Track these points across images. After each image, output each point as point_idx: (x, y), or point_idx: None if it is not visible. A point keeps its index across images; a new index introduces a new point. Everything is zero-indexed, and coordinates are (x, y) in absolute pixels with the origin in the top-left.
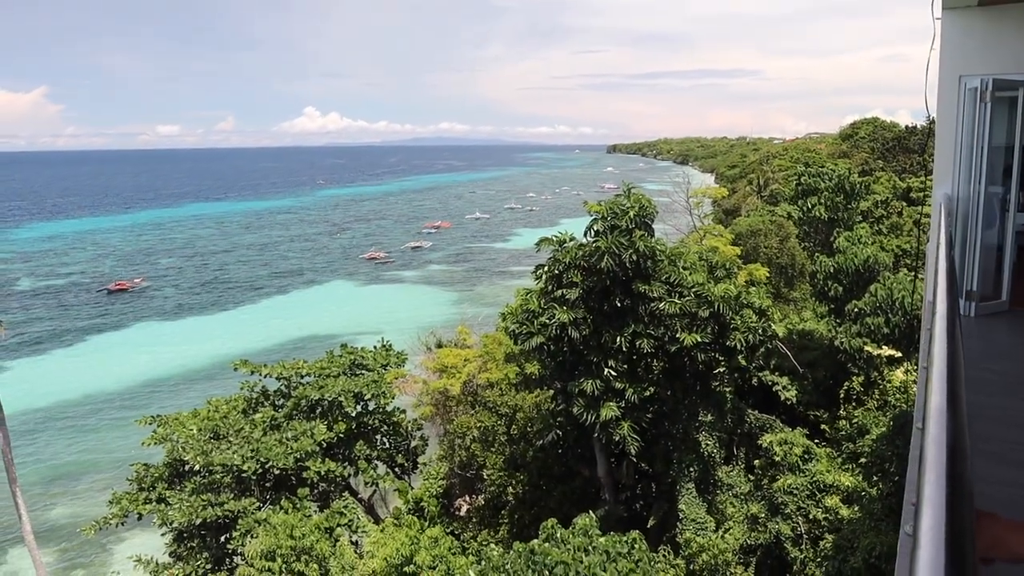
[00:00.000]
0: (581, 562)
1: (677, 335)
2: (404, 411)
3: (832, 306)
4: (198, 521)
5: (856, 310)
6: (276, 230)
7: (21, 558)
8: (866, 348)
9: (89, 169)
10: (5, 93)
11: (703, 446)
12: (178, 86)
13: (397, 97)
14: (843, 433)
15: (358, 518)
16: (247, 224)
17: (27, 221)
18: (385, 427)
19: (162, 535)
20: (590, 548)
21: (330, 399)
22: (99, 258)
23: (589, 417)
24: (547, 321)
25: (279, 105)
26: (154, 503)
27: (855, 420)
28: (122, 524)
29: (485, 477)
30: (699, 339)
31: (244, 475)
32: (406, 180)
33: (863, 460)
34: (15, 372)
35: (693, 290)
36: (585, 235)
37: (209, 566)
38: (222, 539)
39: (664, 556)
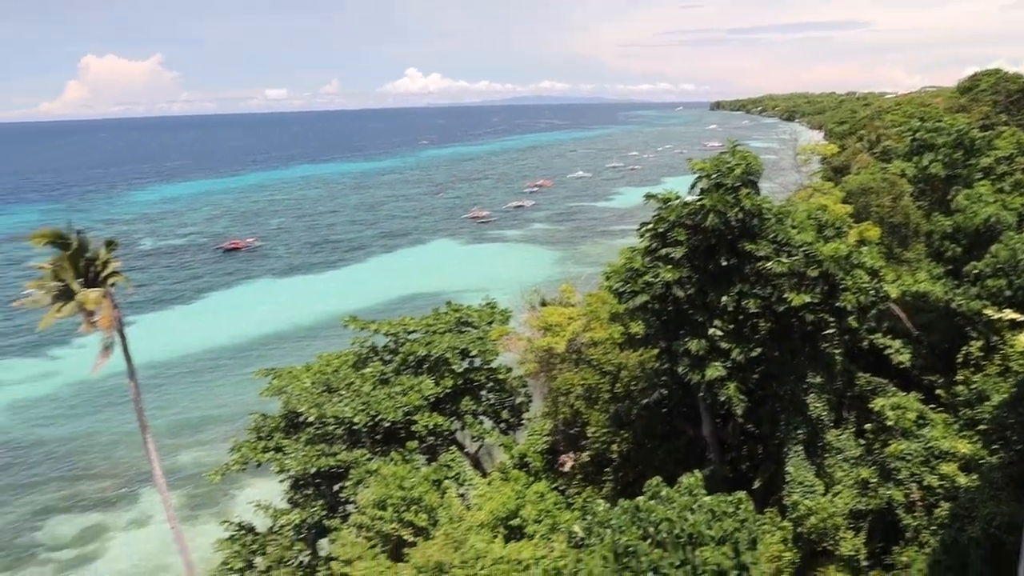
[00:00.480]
0: (686, 520)
1: (785, 295)
2: (509, 368)
3: (949, 267)
4: (313, 470)
5: (976, 272)
6: (381, 190)
7: (152, 500)
8: (986, 312)
9: (202, 133)
10: (125, 62)
11: (811, 408)
12: (285, 51)
13: (497, 57)
14: (960, 399)
15: (465, 471)
16: (353, 185)
17: (148, 184)
18: (490, 383)
19: (280, 482)
20: (695, 507)
21: (437, 355)
22: (214, 218)
23: (694, 377)
24: (651, 280)
25: (382, 67)
26: (272, 452)
27: (974, 386)
28: (243, 471)
29: (589, 434)
30: (808, 299)
31: (355, 427)
32: (507, 140)
33: (982, 427)
34: (142, 327)
35: (801, 249)
36: (690, 193)
37: (324, 513)
38: (335, 488)
39: (770, 518)
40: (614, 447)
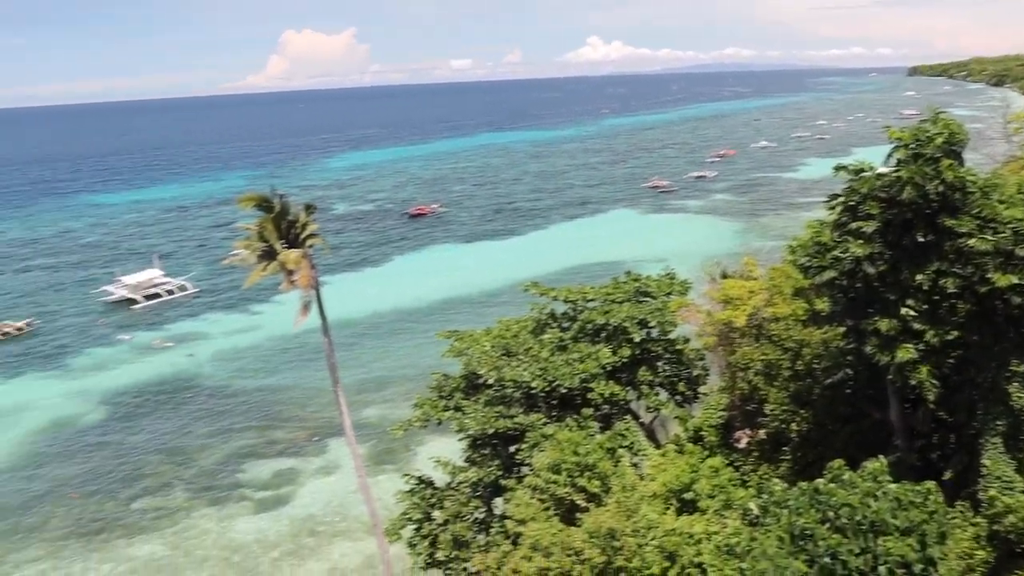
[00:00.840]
0: (869, 507)
1: (989, 275)
2: (687, 340)
3: None
4: (491, 431)
5: None
6: (561, 159)
7: (341, 450)
8: None
9: (391, 103)
10: (322, 36)
11: (1014, 398)
12: (470, 22)
13: (680, 24)
14: None
15: (639, 441)
16: (534, 153)
17: (341, 152)
18: (668, 355)
19: (459, 441)
20: (879, 494)
21: (615, 324)
22: (401, 185)
23: (883, 358)
24: (840, 255)
25: (563, 36)
26: (452, 411)
27: None
28: (424, 428)
29: (767, 411)
30: (1016, 280)
31: (532, 392)
32: (689, 108)
33: None
34: (335, 287)
35: (1010, 226)
36: (884, 164)
37: (500, 473)
38: (511, 449)
39: (961, 512)
40: (793, 426)
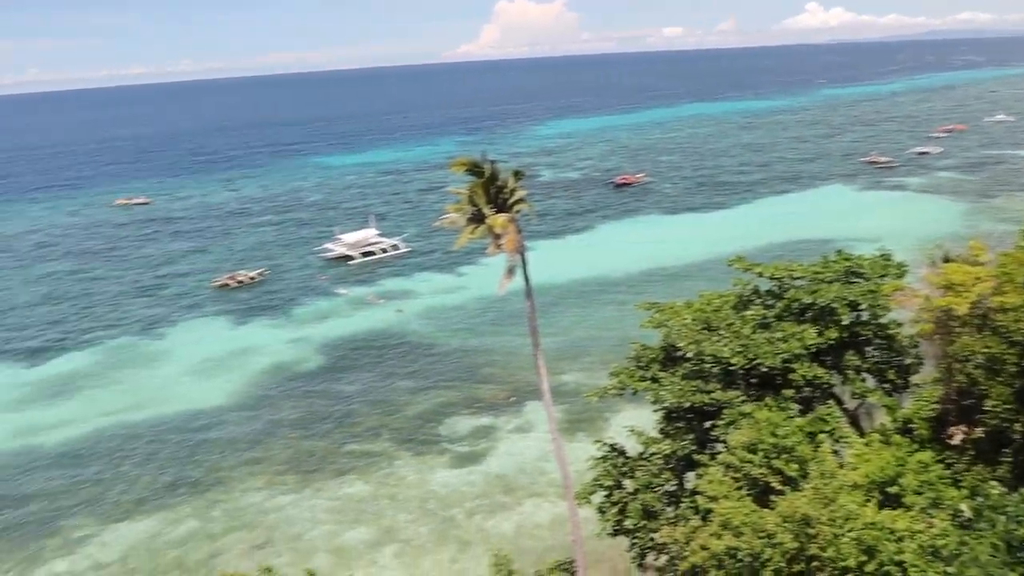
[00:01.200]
0: None
1: None
2: (900, 325)
3: None
4: (687, 404)
5: None
6: (773, 131)
7: (537, 412)
8: None
9: (601, 72)
10: (534, 5)
11: None
12: None
13: None
14: None
15: (841, 428)
16: (744, 124)
17: (549, 119)
18: (878, 339)
19: (653, 412)
20: None
21: (823, 304)
22: (607, 154)
23: None
24: None
25: (780, 2)
26: (648, 382)
27: None
28: (619, 396)
29: (987, 408)
30: None
31: (732, 368)
32: (916, 79)
33: None
34: (539, 253)
35: None
36: None
37: (693, 447)
38: (706, 425)
39: None
40: (1016, 427)
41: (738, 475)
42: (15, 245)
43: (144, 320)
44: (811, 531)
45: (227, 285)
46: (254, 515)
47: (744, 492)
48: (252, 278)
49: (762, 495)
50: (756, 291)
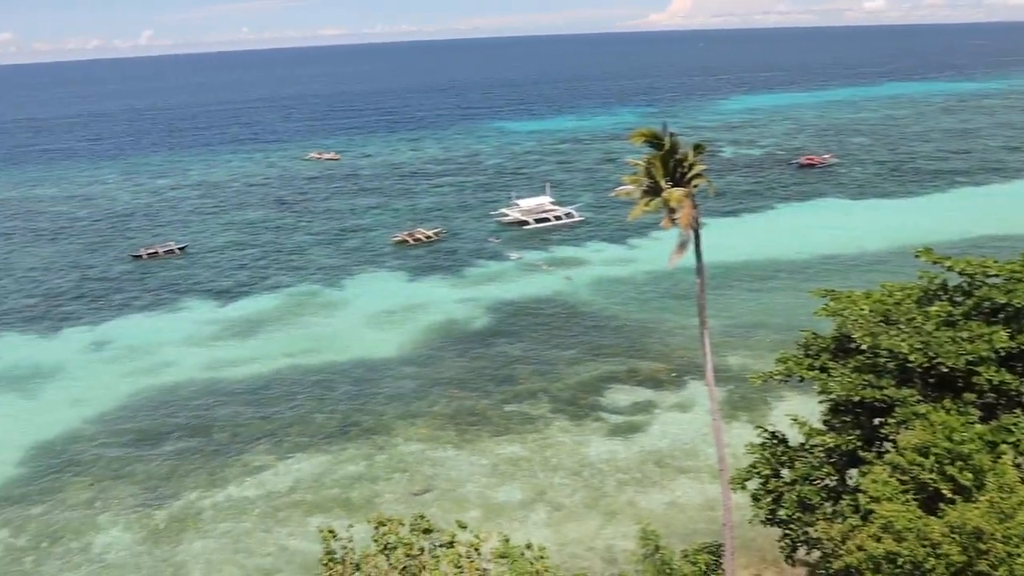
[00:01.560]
0: None
1: None
2: None
3: None
4: (856, 398)
5: None
6: (978, 115)
7: (697, 390)
8: None
9: (793, 46)
10: None
11: None
12: None
13: None
14: None
15: None
16: (946, 107)
17: (734, 94)
18: None
19: (819, 403)
20: None
21: (1019, 305)
22: (793, 133)
23: None
24: None
25: None
26: (817, 371)
27: None
28: (784, 382)
29: None
30: None
31: (909, 365)
32: None
33: None
34: (713, 230)
35: None
36: None
37: (859, 443)
38: (875, 422)
39: None
40: None
41: (905, 478)
42: (217, 192)
43: (326, 269)
44: (982, 546)
45: (405, 242)
46: (413, 464)
47: (910, 496)
48: (429, 236)
49: (930, 502)
50: (943, 286)
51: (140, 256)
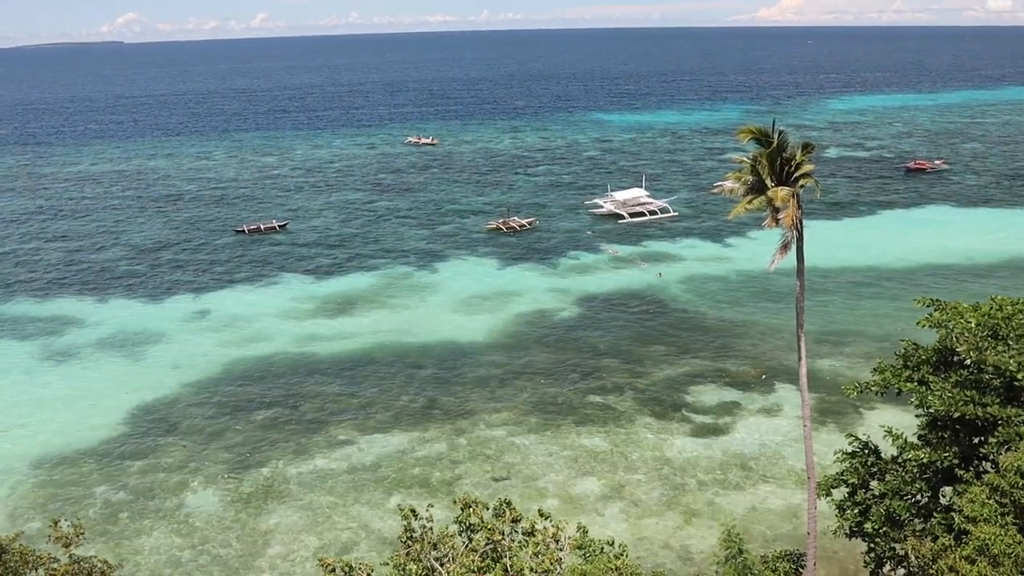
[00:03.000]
0: None
1: None
2: None
3: None
4: (956, 415)
5: None
6: None
7: (787, 395)
8: None
9: (909, 45)
10: None
11: None
12: None
13: None
14: None
15: None
16: None
17: (843, 93)
18: None
19: (915, 416)
20: None
21: None
22: (902, 135)
23: None
24: None
25: None
26: (915, 383)
27: None
28: (881, 394)
29: None
30: None
31: (1016, 384)
32: None
33: None
34: (814, 232)
35: None
36: None
37: (955, 461)
38: (975, 440)
39: None
40: None
41: (1005, 500)
42: (318, 172)
43: (420, 252)
44: None
45: (499, 229)
46: (495, 449)
47: (1010, 520)
48: (523, 225)
49: None
50: None
51: (243, 231)
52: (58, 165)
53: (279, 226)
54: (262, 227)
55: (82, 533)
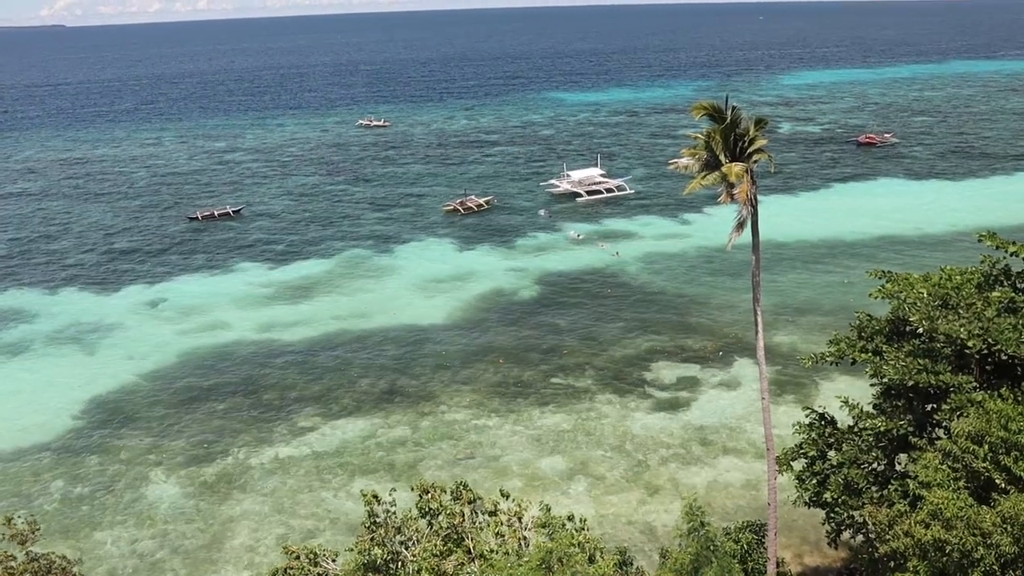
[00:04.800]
0: None
1: None
2: None
3: None
4: (909, 383)
5: None
6: None
7: (745, 369)
8: None
9: (856, 20)
10: None
11: None
12: None
13: None
14: None
15: None
16: (1015, 87)
17: (793, 69)
18: None
19: (870, 386)
20: None
21: None
22: (853, 110)
23: None
24: None
25: None
26: (870, 354)
27: None
28: (835, 365)
29: None
30: None
31: (966, 351)
32: None
33: None
34: (768, 207)
35: None
36: None
37: (910, 429)
38: (928, 408)
39: None
40: None
41: (957, 465)
42: (270, 156)
43: (377, 235)
44: None
45: (456, 210)
46: (458, 431)
47: (962, 484)
48: (480, 205)
49: (982, 491)
50: (1006, 271)
51: (196, 218)
52: (0, 155)
53: (233, 211)
54: (216, 213)
55: (37, 529)
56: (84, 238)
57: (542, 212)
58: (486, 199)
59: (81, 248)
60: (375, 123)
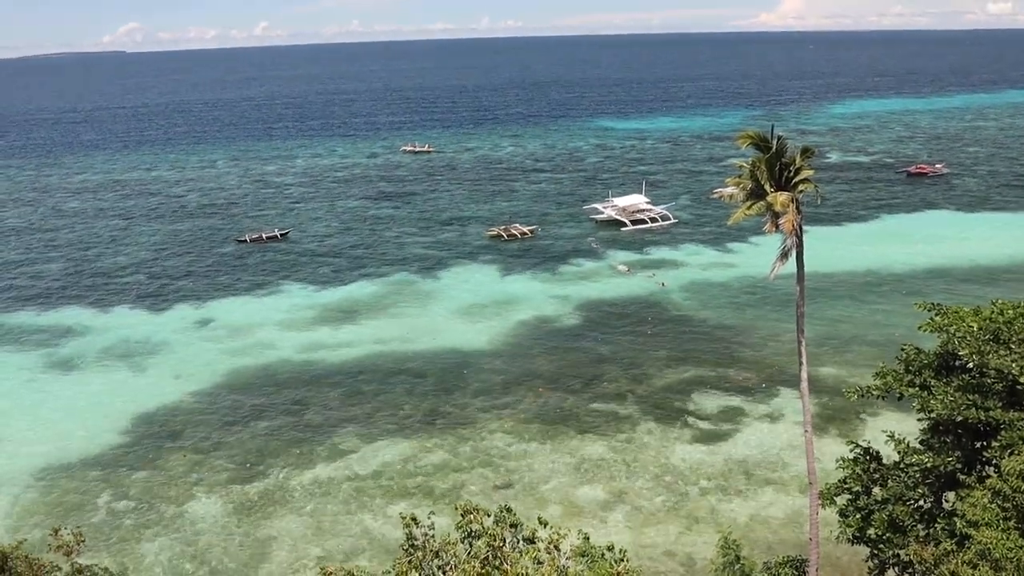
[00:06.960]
0: None
1: None
2: None
3: None
4: (958, 419)
5: None
6: None
7: (788, 401)
8: None
9: (908, 49)
10: None
11: None
12: None
13: None
14: None
15: None
16: None
17: (841, 99)
18: None
19: (917, 420)
20: None
21: None
22: (903, 140)
23: None
24: None
25: None
26: (917, 388)
27: None
28: (882, 399)
29: None
30: None
31: (1018, 388)
32: None
33: None
34: (814, 237)
35: None
36: None
37: (958, 466)
38: (978, 445)
39: None
40: None
41: (1007, 505)
42: (319, 180)
43: (421, 260)
44: None
45: (500, 236)
46: (498, 458)
47: (1012, 524)
48: (524, 233)
49: None
50: None
51: (244, 240)
52: (61, 175)
53: (280, 235)
54: (264, 236)
55: (83, 541)
56: (136, 258)
57: (592, 241)
58: (530, 227)
59: (133, 268)
60: (419, 148)
